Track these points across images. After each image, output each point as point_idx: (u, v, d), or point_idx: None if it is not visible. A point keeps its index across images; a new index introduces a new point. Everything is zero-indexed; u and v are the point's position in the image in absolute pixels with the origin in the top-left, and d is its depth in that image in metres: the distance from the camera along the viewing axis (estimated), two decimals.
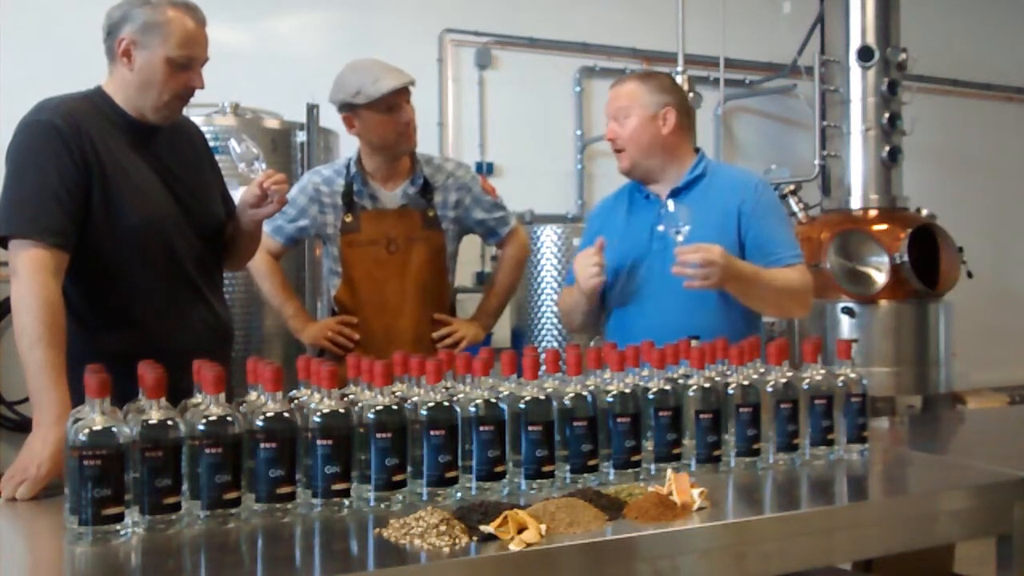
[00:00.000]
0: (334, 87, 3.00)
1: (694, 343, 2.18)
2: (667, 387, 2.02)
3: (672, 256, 2.55)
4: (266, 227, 3.12)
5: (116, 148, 2.29)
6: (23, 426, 4.16)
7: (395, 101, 2.94)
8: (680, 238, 2.57)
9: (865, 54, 5.39)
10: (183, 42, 2.28)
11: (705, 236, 2.58)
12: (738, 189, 2.75)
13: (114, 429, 1.57)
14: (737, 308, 2.68)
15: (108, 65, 2.36)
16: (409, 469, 1.78)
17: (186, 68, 2.30)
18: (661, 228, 2.74)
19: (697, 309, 2.63)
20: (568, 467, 1.90)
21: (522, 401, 1.86)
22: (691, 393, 2.04)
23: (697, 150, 2.87)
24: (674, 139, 2.78)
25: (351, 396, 1.83)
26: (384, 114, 2.94)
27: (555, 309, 4.64)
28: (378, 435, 1.73)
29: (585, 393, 1.92)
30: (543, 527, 1.59)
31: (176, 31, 2.27)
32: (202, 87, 2.36)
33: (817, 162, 5.57)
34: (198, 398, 1.74)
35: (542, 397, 1.88)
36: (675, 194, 2.78)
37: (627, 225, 2.82)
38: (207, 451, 1.63)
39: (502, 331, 4.68)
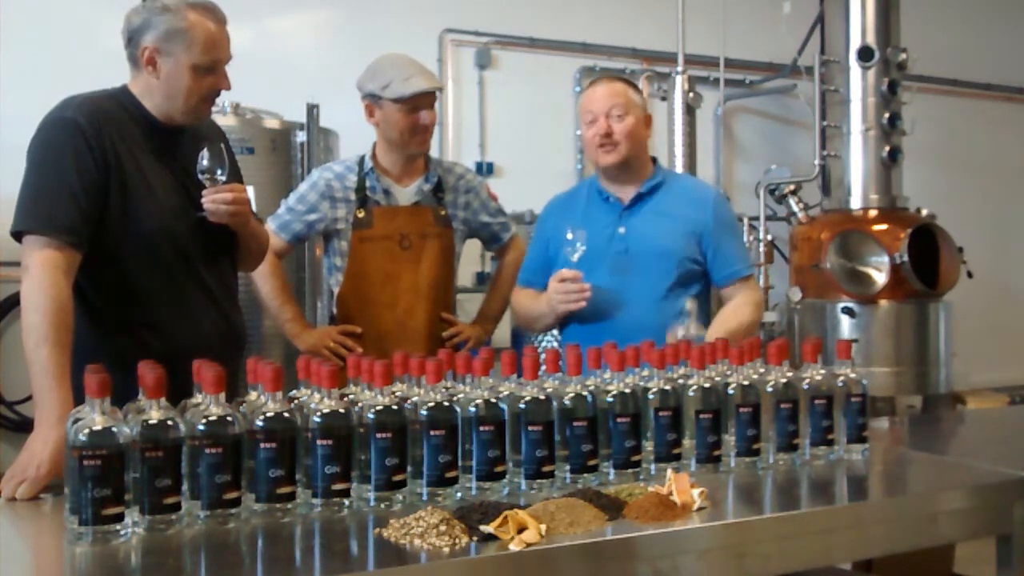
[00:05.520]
0: (365, 74, 3.02)
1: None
2: (667, 387, 2.02)
3: (635, 259, 2.78)
4: (272, 224, 3.11)
5: (137, 150, 2.28)
6: (23, 426, 4.16)
7: (420, 103, 2.98)
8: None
9: (865, 54, 5.39)
10: (207, 47, 2.27)
11: (669, 241, 2.81)
12: (697, 204, 2.89)
13: (114, 429, 1.57)
14: (703, 310, 2.84)
15: (130, 68, 2.34)
16: (409, 469, 1.78)
17: (211, 71, 2.29)
18: (622, 231, 2.85)
19: (658, 309, 2.73)
20: (568, 467, 1.90)
21: (522, 401, 1.87)
22: (691, 393, 2.04)
23: (653, 160, 2.99)
24: (646, 144, 2.94)
25: (351, 396, 1.83)
26: (406, 113, 2.97)
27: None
28: (378, 435, 1.74)
29: (585, 393, 1.92)
30: (543, 527, 1.59)
31: (199, 36, 2.25)
32: (228, 88, 2.35)
33: (817, 162, 5.56)
34: (198, 398, 1.74)
35: (542, 397, 1.88)
36: (637, 199, 2.88)
37: (586, 227, 2.89)
38: (207, 451, 1.63)
39: (502, 331, 4.66)
